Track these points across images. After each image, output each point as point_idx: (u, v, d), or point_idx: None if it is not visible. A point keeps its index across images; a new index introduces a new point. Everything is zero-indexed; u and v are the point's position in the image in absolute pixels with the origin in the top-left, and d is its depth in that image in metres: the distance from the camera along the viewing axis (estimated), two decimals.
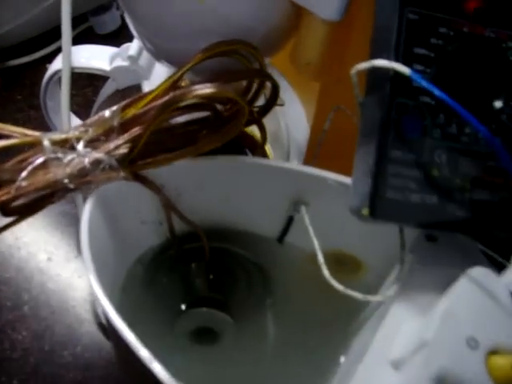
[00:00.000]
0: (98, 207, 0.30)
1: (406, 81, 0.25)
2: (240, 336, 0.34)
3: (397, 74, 0.25)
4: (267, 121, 0.41)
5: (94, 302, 0.48)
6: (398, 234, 0.28)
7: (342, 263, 0.34)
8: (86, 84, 0.59)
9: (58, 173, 0.30)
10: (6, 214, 0.31)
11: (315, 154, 0.36)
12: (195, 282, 0.34)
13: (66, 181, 0.30)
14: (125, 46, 0.42)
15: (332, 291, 0.36)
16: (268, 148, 0.44)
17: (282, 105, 0.43)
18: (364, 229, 0.32)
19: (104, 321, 0.46)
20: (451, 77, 0.26)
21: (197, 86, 0.28)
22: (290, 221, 0.34)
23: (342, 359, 0.32)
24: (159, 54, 0.38)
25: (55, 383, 0.44)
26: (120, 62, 0.41)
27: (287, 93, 0.45)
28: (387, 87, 0.25)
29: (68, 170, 0.30)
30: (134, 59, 0.41)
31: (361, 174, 0.26)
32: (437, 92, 0.23)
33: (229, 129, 0.31)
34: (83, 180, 0.30)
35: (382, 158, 0.25)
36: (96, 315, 0.47)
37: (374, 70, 0.26)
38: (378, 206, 0.25)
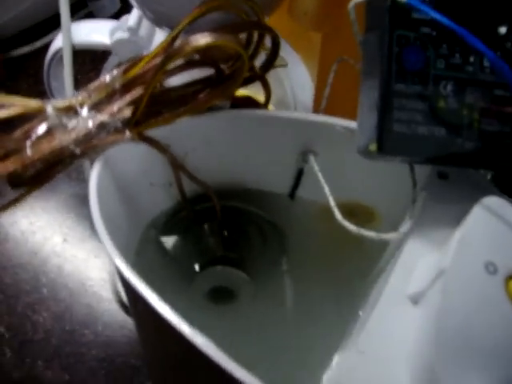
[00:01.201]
0: (106, 171, 0.30)
1: (404, 12, 0.25)
2: (257, 294, 0.34)
3: (395, 5, 0.25)
4: (272, 85, 0.40)
5: (113, 280, 0.48)
6: (409, 173, 0.28)
7: (355, 214, 0.34)
8: (90, 68, 0.59)
9: (63, 139, 0.30)
10: (15, 186, 0.31)
11: (321, 108, 0.36)
12: (209, 242, 0.34)
13: (71, 146, 0.30)
14: (124, 18, 0.42)
15: (348, 243, 0.35)
16: None
17: (285, 65, 0.42)
18: (375, 177, 0.32)
19: (123, 295, 0.46)
20: (452, 6, 0.25)
21: (193, 37, 0.28)
22: (299, 173, 0.34)
23: (361, 313, 0.32)
24: (160, 21, 0.38)
25: (78, 362, 0.44)
26: (120, 35, 0.41)
27: (290, 56, 0.44)
28: (386, 20, 0.25)
29: (73, 135, 0.30)
30: (133, 30, 0.41)
31: (366, 111, 0.26)
32: (436, 15, 0.23)
33: (229, 83, 0.31)
34: (89, 144, 0.30)
35: (387, 91, 0.25)
36: (116, 293, 0.48)
37: (372, 6, 0.26)
38: (385, 141, 0.25)
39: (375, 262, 0.32)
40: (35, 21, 0.61)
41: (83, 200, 0.51)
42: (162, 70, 0.29)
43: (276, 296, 0.35)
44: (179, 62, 0.31)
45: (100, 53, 0.44)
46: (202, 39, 0.28)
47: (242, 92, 0.36)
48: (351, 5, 0.25)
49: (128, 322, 0.46)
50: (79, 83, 0.58)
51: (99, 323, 0.46)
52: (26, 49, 0.61)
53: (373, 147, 0.25)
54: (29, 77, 0.60)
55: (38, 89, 0.58)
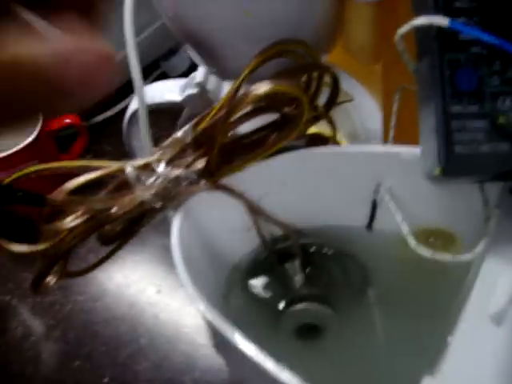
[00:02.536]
0: (186, 221, 0.32)
1: (452, 36, 0.25)
2: (344, 329, 0.34)
3: (441, 31, 0.25)
4: (342, 122, 0.41)
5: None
6: (479, 191, 0.28)
7: (436, 239, 0.34)
8: (170, 125, 0.62)
9: (143, 195, 0.32)
10: (105, 243, 0.33)
11: (390, 138, 0.36)
12: (292, 280, 0.35)
13: (152, 201, 0.32)
14: (192, 75, 0.44)
15: (430, 270, 0.35)
16: None
17: (350, 100, 0.43)
18: (450, 199, 0.32)
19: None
20: (497, 23, 0.26)
21: (254, 87, 0.29)
22: (374, 205, 0.34)
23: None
24: (224, 74, 0.40)
25: None
26: (190, 91, 0.43)
27: (356, 89, 0.45)
28: (434, 45, 0.25)
29: (152, 190, 0.32)
30: (201, 85, 0.43)
31: (427, 136, 0.26)
32: (481, 35, 0.23)
33: (292, 125, 0.32)
34: (168, 198, 0.32)
35: (444, 115, 0.25)
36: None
37: (421, 34, 0.27)
38: (448, 164, 0.25)
39: (461, 285, 0.32)
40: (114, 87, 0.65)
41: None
42: (227, 121, 0.30)
43: (364, 329, 0.34)
44: (246, 110, 0.33)
45: (178, 111, 0.46)
46: (262, 88, 0.29)
47: (311, 129, 0.37)
48: (398, 36, 0.26)
49: (225, 365, 0.47)
50: (159, 139, 0.61)
51: (197, 369, 0.48)
52: (107, 114, 0.65)
53: (437, 171, 0.25)
54: (111, 138, 0.64)
55: (121, 150, 0.61)
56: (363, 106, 0.46)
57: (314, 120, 0.35)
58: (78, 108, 0.23)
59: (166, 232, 0.55)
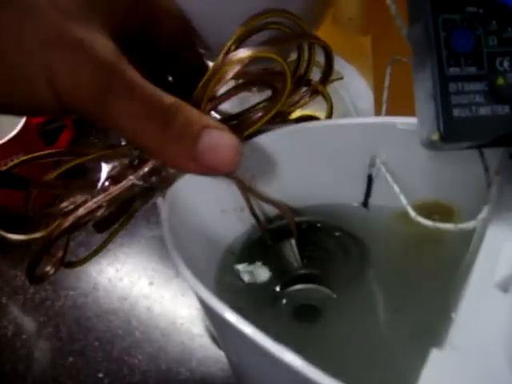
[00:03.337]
0: (177, 202, 0.31)
1: None
2: (343, 309, 0.33)
3: None
4: (333, 103, 0.40)
5: (203, 316, 0.48)
6: (479, 158, 0.27)
7: (434, 214, 0.33)
8: None
9: (131, 177, 0.31)
10: (100, 229, 0.32)
11: (382, 113, 0.35)
12: (288, 261, 0.34)
13: (140, 183, 0.31)
14: None
15: (429, 246, 0.34)
16: None
17: (341, 78, 0.42)
18: (447, 172, 0.31)
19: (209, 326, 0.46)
20: None
21: (234, 53, 0.28)
22: (369, 180, 0.33)
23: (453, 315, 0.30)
24: (211, 53, 0.39)
25: None
26: None
27: (345, 68, 0.44)
28: (428, 6, 0.24)
29: (140, 172, 0.31)
30: None
31: (423, 102, 0.25)
32: None
33: (277, 96, 0.30)
34: (157, 178, 0.31)
35: (441, 78, 0.24)
36: (207, 328, 0.48)
37: None
38: (447, 128, 0.24)
39: (461, 259, 0.31)
40: None
41: (164, 241, 0.52)
42: (210, 86, 0.29)
43: (363, 308, 0.34)
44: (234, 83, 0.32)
45: None
46: (242, 53, 0.28)
47: (304, 112, 0.36)
48: None
49: (222, 355, 0.46)
50: None
51: (193, 359, 0.47)
52: None
53: (435, 137, 0.24)
54: (98, 132, 0.63)
55: (108, 142, 0.60)
56: (353, 86, 0.45)
57: (311, 96, 0.34)
58: None
59: (157, 223, 0.54)
